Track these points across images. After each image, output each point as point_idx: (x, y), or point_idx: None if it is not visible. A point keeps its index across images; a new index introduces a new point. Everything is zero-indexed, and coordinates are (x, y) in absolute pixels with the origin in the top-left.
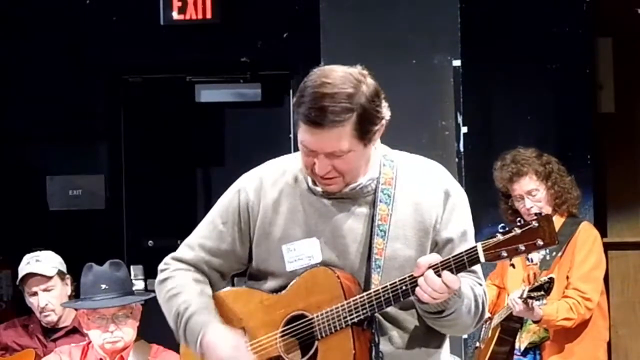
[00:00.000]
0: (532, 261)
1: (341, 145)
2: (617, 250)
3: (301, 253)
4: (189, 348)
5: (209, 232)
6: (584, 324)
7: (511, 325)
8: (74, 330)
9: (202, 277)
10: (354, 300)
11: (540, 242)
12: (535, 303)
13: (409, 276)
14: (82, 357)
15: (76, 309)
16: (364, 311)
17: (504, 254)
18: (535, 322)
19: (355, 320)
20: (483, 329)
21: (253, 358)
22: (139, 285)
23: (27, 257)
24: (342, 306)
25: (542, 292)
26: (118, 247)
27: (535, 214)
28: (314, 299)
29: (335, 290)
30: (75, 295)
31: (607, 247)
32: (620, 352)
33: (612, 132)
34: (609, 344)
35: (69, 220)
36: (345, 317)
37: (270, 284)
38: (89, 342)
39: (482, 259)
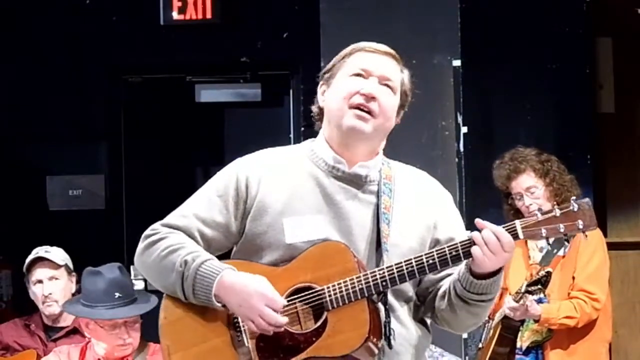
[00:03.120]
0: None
1: (396, 77)
2: (617, 250)
3: (304, 227)
4: (196, 300)
5: (203, 203)
6: (588, 324)
7: (512, 323)
8: (75, 331)
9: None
10: (371, 273)
11: (581, 224)
12: (533, 297)
13: (460, 242)
14: (80, 357)
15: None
16: (384, 283)
17: (543, 232)
18: (535, 321)
19: (373, 291)
20: (485, 329)
21: (282, 301)
22: (139, 285)
23: (36, 249)
24: (357, 278)
25: (540, 286)
26: (118, 247)
27: (573, 198)
28: (324, 272)
29: (348, 263)
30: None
31: (607, 247)
32: (620, 352)
33: (612, 132)
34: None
35: (69, 220)
36: (362, 288)
37: (267, 258)
38: (87, 342)
39: (521, 236)
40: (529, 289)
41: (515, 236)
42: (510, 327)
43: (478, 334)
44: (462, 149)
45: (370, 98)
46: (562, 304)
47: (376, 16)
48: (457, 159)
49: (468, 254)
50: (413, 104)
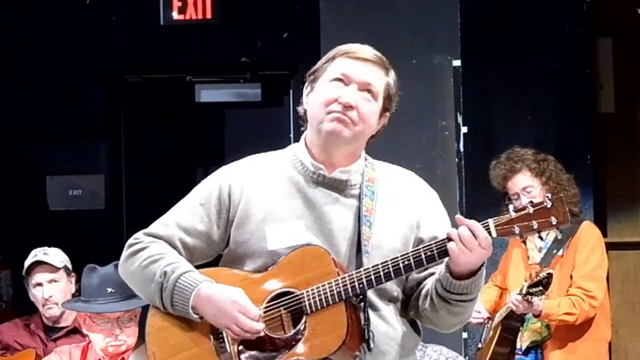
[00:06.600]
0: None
1: (378, 83)
2: (617, 250)
3: (285, 233)
4: (174, 311)
5: (185, 212)
6: (587, 324)
7: (512, 323)
8: (75, 331)
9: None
10: (349, 276)
11: (554, 220)
12: (534, 299)
13: (435, 242)
14: (81, 357)
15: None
16: (360, 285)
17: (516, 230)
18: (536, 316)
19: (350, 294)
20: (485, 329)
21: (257, 310)
22: None
23: (34, 251)
24: (335, 281)
25: (541, 288)
26: (118, 247)
27: (547, 195)
28: (303, 276)
29: (327, 266)
30: (78, 295)
31: (607, 247)
32: (620, 352)
33: (612, 132)
34: (609, 344)
35: (69, 220)
36: (340, 291)
37: (250, 265)
38: (89, 343)
39: (494, 234)
40: (530, 290)
41: (488, 235)
42: (510, 328)
43: (478, 334)
44: (462, 149)
45: (348, 107)
46: (561, 300)
47: (376, 16)
48: (457, 159)
49: (442, 254)
50: (413, 104)
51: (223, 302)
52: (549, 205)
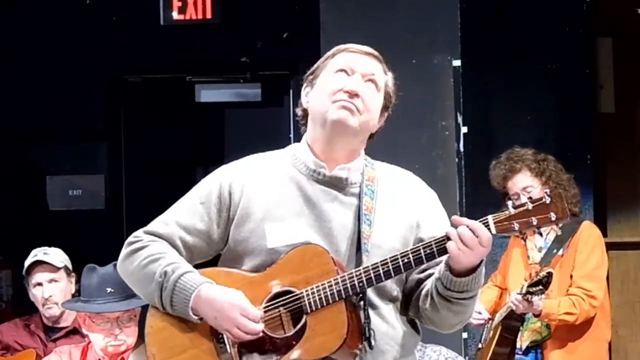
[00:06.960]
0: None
1: (380, 76)
2: (617, 250)
3: (285, 232)
4: (174, 311)
5: (185, 210)
6: (586, 323)
7: (512, 323)
8: (75, 331)
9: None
10: (348, 274)
11: (553, 216)
12: (534, 298)
13: (434, 240)
14: (81, 357)
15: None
16: (360, 284)
17: (516, 226)
18: (536, 316)
19: (350, 292)
20: (485, 329)
21: (257, 311)
22: None
23: (35, 251)
24: (335, 280)
25: (541, 287)
26: (118, 247)
27: (546, 191)
28: (302, 275)
29: (327, 265)
30: (78, 296)
31: (607, 247)
32: (620, 352)
33: (612, 132)
34: (609, 344)
35: (69, 220)
36: (339, 290)
37: (249, 264)
38: (89, 343)
39: (493, 231)
40: (530, 289)
41: (489, 233)
42: (510, 328)
43: (478, 334)
44: (462, 149)
45: (354, 95)
46: (561, 299)
47: (376, 16)
48: (457, 159)
49: (442, 252)
50: (413, 104)
51: (223, 305)
52: (547, 201)
